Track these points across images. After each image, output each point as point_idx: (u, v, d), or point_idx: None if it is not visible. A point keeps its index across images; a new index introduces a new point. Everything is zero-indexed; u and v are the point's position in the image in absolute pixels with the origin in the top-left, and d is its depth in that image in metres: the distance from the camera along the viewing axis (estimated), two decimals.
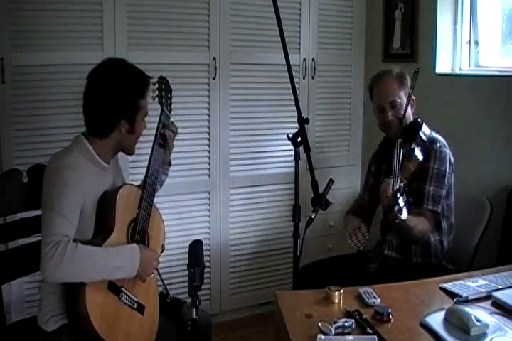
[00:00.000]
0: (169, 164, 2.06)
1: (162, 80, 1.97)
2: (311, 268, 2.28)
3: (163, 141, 1.91)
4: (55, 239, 1.52)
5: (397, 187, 1.78)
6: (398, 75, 2.18)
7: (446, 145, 2.14)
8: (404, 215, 1.78)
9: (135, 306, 1.71)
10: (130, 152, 1.86)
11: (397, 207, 1.76)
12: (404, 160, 1.93)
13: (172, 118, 1.98)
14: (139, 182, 1.98)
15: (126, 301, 1.68)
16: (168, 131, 1.92)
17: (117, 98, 1.72)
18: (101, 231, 1.69)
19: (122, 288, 1.67)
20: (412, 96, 2.13)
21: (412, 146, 2.00)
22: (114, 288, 1.65)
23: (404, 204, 1.77)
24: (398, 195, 1.76)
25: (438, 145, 2.10)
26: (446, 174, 2.09)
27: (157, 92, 1.93)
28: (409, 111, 2.14)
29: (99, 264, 1.58)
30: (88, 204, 1.68)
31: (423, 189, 2.07)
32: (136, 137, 1.82)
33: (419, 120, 2.12)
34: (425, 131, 2.10)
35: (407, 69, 2.29)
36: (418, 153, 2.00)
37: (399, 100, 2.14)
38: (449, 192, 2.15)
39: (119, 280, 1.66)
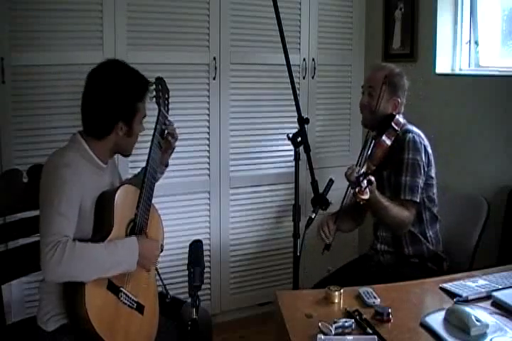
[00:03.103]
0: (166, 165, 2.06)
1: (159, 81, 1.96)
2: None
3: (162, 137, 1.90)
4: (54, 239, 1.52)
5: (361, 172, 1.80)
6: (391, 74, 2.17)
7: (423, 137, 2.15)
8: (366, 195, 1.78)
9: (134, 306, 1.71)
10: (127, 154, 1.87)
11: (357, 188, 1.76)
12: (373, 148, 1.98)
13: (172, 118, 1.97)
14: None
15: (126, 301, 1.68)
16: (169, 132, 1.92)
17: (115, 100, 1.71)
18: (99, 231, 1.68)
19: (121, 288, 1.67)
20: (398, 99, 2.16)
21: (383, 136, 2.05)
22: (113, 288, 1.64)
23: (367, 186, 1.77)
24: (361, 179, 1.75)
25: (411, 135, 2.10)
26: (422, 164, 2.09)
27: (154, 93, 1.93)
28: (383, 105, 2.14)
29: (98, 261, 1.58)
30: (87, 203, 1.67)
31: (399, 180, 2.08)
32: (133, 140, 1.82)
33: (393, 113, 2.15)
34: (399, 121, 2.12)
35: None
36: (386, 139, 2.03)
37: (378, 91, 2.13)
38: (430, 184, 2.15)
39: (119, 279, 1.66)
